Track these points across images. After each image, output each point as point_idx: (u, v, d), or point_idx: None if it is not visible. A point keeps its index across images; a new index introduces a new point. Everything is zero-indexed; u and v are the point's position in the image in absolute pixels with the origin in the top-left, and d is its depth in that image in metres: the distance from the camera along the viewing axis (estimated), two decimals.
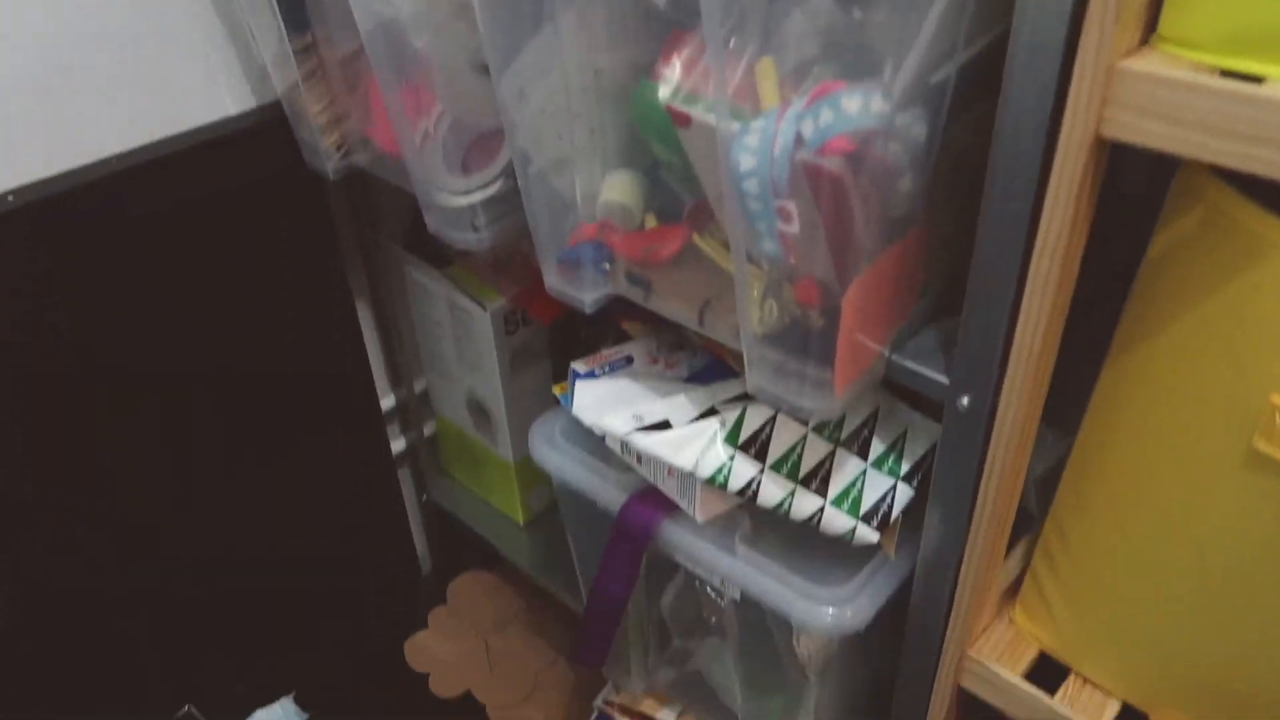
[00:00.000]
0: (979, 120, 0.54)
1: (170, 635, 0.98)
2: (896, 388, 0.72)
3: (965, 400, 0.57)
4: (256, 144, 0.84)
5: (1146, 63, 0.41)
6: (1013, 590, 0.70)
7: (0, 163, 0.73)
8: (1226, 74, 0.40)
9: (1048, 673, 0.66)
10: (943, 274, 0.62)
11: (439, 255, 0.98)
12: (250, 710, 1.10)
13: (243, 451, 0.96)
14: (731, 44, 0.55)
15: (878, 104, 0.47)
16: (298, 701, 1.10)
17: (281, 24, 0.73)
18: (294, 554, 1.06)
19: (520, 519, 1.12)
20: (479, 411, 1.05)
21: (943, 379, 0.58)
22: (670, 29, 0.60)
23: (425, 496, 1.19)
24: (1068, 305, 0.53)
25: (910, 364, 0.60)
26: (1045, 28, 0.43)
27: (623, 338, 0.86)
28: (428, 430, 1.16)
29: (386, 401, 1.10)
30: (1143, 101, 0.41)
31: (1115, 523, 0.57)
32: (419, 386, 1.12)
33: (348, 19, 0.66)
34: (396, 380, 1.10)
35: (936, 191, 0.55)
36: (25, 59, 0.72)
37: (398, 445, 1.14)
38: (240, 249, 0.87)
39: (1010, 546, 0.68)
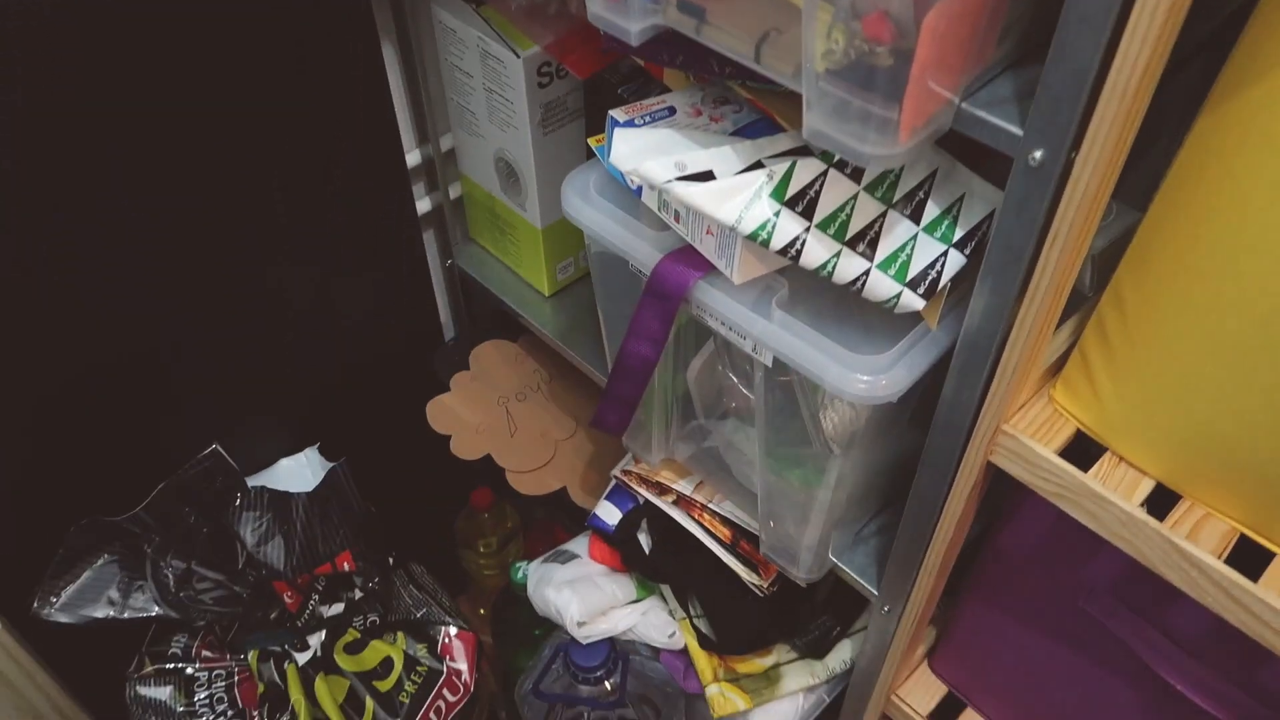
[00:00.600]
0: None
1: (199, 379, 0.98)
2: (958, 152, 0.67)
3: (1039, 154, 0.53)
4: None
5: None
6: (1053, 370, 0.67)
7: None
8: None
9: (1080, 455, 0.65)
10: (1028, 14, 0.56)
11: None
12: (275, 459, 1.12)
13: (260, 202, 0.93)
14: None
15: None
16: (323, 453, 1.12)
17: None
18: (317, 310, 1.05)
19: (546, 290, 1.09)
20: (508, 173, 1.01)
21: (1016, 130, 0.53)
22: None
23: (450, 261, 1.16)
24: (1173, 40, 0.47)
25: (981, 113, 0.55)
26: None
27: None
28: (454, 193, 1.12)
29: (411, 158, 1.06)
30: None
31: (1183, 290, 0.53)
32: (446, 145, 1.07)
33: None
34: (423, 136, 1.05)
35: None
36: None
37: (423, 206, 1.10)
38: None
39: (1057, 325, 0.65)
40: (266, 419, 1.08)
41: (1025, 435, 0.64)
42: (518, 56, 0.89)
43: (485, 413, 1.15)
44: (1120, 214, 0.67)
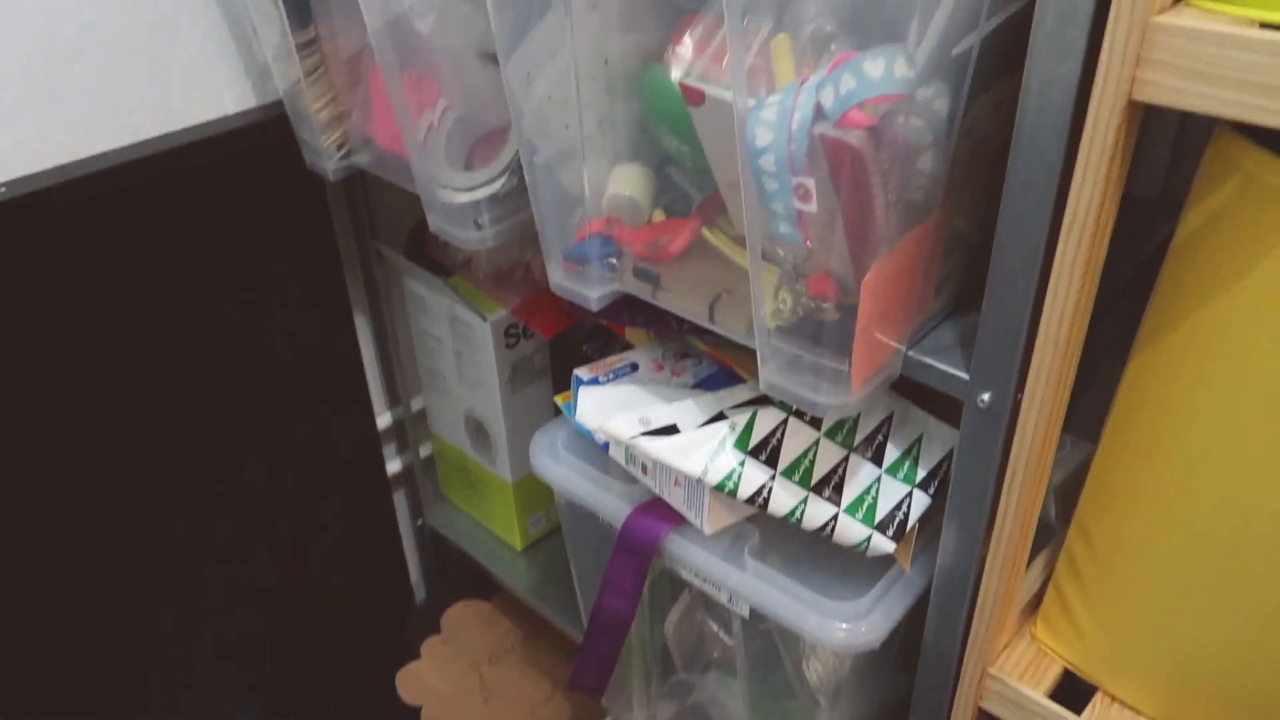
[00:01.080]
0: (1001, 98, 0.53)
1: (152, 660, 0.94)
2: (912, 394, 0.70)
3: (986, 396, 0.55)
4: (255, 143, 0.82)
5: (1182, 18, 0.40)
6: (1032, 606, 0.67)
7: None
8: (1266, 26, 0.38)
9: (1073, 693, 0.63)
10: (961, 268, 0.60)
11: (439, 267, 0.96)
12: None
13: (229, 469, 0.93)
14: (745, 23, 0.53)
15: (902, 68, 0.45)
16: None
17: (285, 18, 0.71)
18: (282, 579, 1.03)
19: (518, 544, 1.08)
20: (478, 430, 1.03)
21: (962, 374, 0.56)
22: (679, 15, 0.59)
23: (421, 520, 1.15)
24: (1095, 290, 0.50)
25: (928, 359, 0.57)
26: None
27: (626, 351, 0.84)
28: (424, 451, 1.13)
29: (383, 420, 1.07)
30: (1180, 59, 0.40)
31: (1145, 521, 0.54)
32: (416, 405, 1.10)
33: (352, 9, 0.64)
34: (394, 399, 1.08)
35: (957, 174, 0.53)
36: (22, 49, 0.71)
37: (393, 466, 1.11)
38: (236, 252, 0.85)
39: (1029, 559, 0.65)
40: (226, 698, 1.03)
41: (1012, 678, 0.62)
42: (485, 320, 0.92)
43: (457, 680, 1.10)
44: (1075, 446, 0.69)
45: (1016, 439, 0.55)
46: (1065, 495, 0.67)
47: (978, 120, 0.53)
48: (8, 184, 0.72)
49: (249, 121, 0.82)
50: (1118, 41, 0.41)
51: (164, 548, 0.90)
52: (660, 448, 0.65)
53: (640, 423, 0.67)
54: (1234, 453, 0.48)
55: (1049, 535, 0.68)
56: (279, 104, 0.81)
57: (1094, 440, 0.60)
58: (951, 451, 0.66)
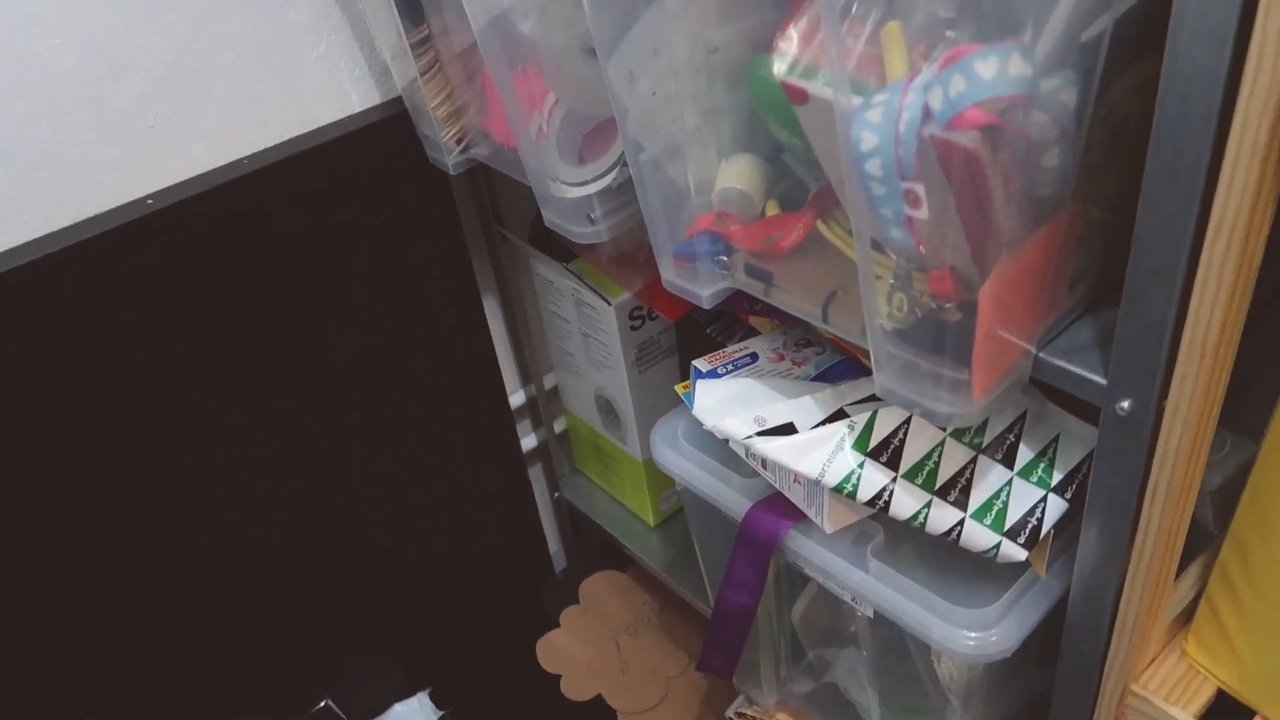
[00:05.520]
0: (1145, 78, 0.47)
1: (309, 630, 1.00)
2: (1048, 388, 0.65)
3: (1125, 404, 0.50)
4: (381, 140, 0.84)
5: None
6: (1185, 618, 0.62)
7: (140, 169, 0.76)
8: None
9: (1229, 716, 0.58)
10: (1100, 258, 0.55)
11: (564, 251, 0.96)
12: (386, 705, 1.11)
13: (374, 453, 0.97)
14: (855, 8, 0.50)
15: (1017, 66, 0.41)
16: (433, 699, 1.11)
17: (398, 17, 0.72)
18: (427, 552, 1.07)
19: (651, 520, 1.09)
20: (607, 409, 1.03)
21: (1099, 379, 0.51)
22: None
23: (557, 494, 1.18)
24: (1249, 294, 0.45)
25: (1061, 362, 0.53)
26: None
27: (751, 333, 0.82)
28: (558, 427, 1.14)
29: (516, 398, 1.09)
30: None
31: None
32: (549, 383, 1.11)
33: (461, 6, 0.64)
34: (526, 377, 1.09)
35: (1093, 164, 0.49)
36: (161, 70, 0.74)
37: (529, 442, 1.13)
38: (368, 247, 0.88)
39: (1183, 567, 0.60)
40: (378, 665, 1.09)
41: (1158, 697, 0.58)
42: (609, 304, 0.92)
43: (596, 649, 1.12)
44: (1236, 447, 0.63)
45: (1158, 452, 0.50)
46: (1224, 499, 0.62)
47: (1116, 104, 0.48)
48: (153, 195, 0.76)
49: (375, 118, 0.83)
50: (1273, 20, 0.35)
51: (316, 521, 0.96)
52: (776, 448, 0.63)
53: (755, 422, 0.65)
54: None
55: (1205, 540, 0.63)
56: (402, 99, 0.82)
57: (1256, 439, 0.55)
58: (1092, 454, 0.62)
